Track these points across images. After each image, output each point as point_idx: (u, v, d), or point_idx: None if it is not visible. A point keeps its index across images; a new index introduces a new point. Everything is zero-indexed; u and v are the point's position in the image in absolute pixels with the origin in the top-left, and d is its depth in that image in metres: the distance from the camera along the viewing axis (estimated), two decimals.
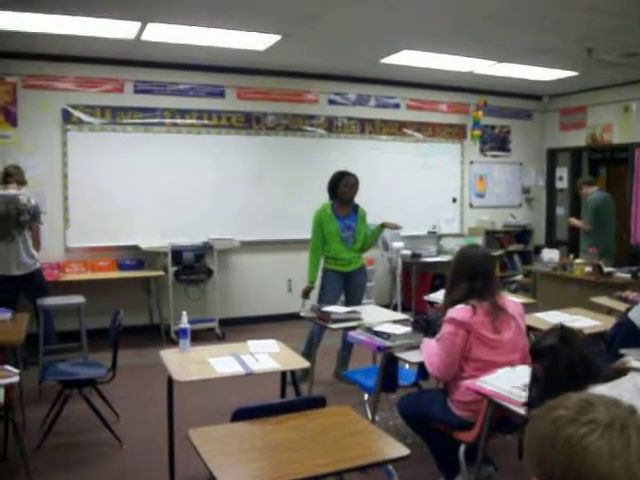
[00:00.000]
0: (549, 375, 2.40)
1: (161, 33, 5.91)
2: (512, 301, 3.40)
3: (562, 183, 9.78)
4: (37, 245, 5.85)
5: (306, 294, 5.60)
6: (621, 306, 4.65)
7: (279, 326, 6.98)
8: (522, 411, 2.60)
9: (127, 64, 7.04)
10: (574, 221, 8.00)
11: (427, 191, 8.83)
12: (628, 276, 6.10)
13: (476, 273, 3.25)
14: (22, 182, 5.85)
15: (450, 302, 3.30)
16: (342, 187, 5.51)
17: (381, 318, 4.30)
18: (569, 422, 1.04)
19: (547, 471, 1.04)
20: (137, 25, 5.62)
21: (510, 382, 2.78)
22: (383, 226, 5.69)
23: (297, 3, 5.10)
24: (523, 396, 2.65)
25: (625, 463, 0.99)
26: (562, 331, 2.48)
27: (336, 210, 5.55)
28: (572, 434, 1.02)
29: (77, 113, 6.89)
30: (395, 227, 5.97)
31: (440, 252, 8.60)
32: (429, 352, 3.31)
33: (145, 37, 6.01)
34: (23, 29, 5.66)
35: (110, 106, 7.04)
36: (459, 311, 3.13)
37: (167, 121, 7.32)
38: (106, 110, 7.02)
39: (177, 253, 6.92)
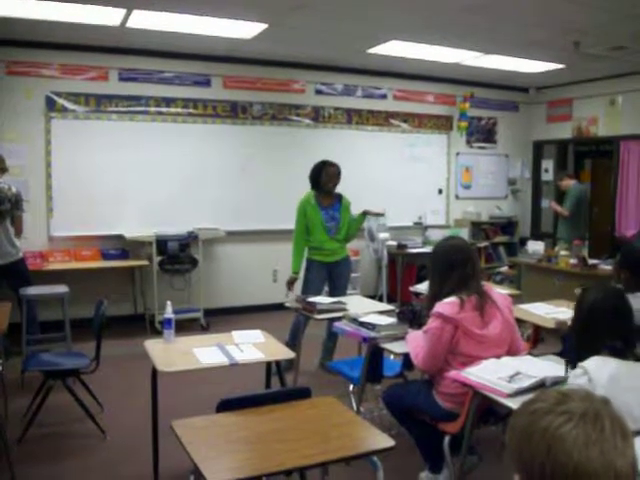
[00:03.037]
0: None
1: (147, 20, 5.83)
2: (501, 294, 3.38)
3: (548, 175, 9.81)
4: (19, 234, 5.79)
5: (290, 284, 5.60)
6: None
7: (264, 316, 6.96)
8: (507, 402, 2.61)
9: (112, 52, 6.96)
10: (555, 205, 8.33)
11: (413, 182, 8.84)
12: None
13: (453, 265, 3.23)
14: (3, 170, 5.77)
15: (434, 297, 3.29)
16: (324, 177, 5.50)
17: (366, 309, 4.30)
18: (545, 413, 1.07)
19: (527, 463, 1.07)
20: (122, 12, 5.54)
21: (495, 373, 2.79)
22: (365, 214, 5.68)
23: None
24: (508, 387, 2.66)
25: (600, 451, 1.01)
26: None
27: (319, 200, 5.53)
28: (548, 424, 1.05)
29: (61, 101, 6.81)
30: (377, 214, 5.97)
31: (426, 243, 8.60)
32: (415, 344, 3.30)
33: (130, 24, 5.94)
34: (6, 14, 5.57)
35: (95, 94, 6.96)
36: (447, 306, 3.11)
37: (152, 110, 7.26)
38: (90, 98, 6.94)
39: (162, 243, 6.87)
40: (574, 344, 2.57)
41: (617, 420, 1.06)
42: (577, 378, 2.32)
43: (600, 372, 2.28)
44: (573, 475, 1.00)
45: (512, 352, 3.21)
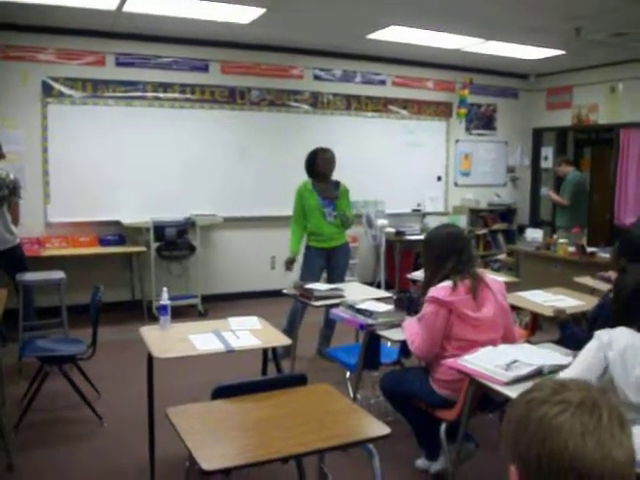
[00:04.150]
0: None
1: (143, 5, 5.77)
2: (494, 279, 3.39)
3: (547, 163, 9.77)
4: (16, 220, 5.76)
5: (288, 265, 5.58)
6: (604, 286, 4.65)
7: (261, 303, 6.95)
8: (504, 390, 2.60)
9: (109, 36, 6.89)
10: (553, 195, 8.24)
11: (412, 169, 8.80)
12: None
13: (449, 253, 3.23)
14: (1, 156, 5.73)
15: (428, 284, 3.28)
16: (320, 162, 5.49)
17: (364, 296, 4.29)
18: (541, 403, 1.06)
19: (522, 454, 1.05)
20: None
21: (492, 361, 2.78)
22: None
23: None
24: (505, 375, 2.65)
25: (597, 441, 0.99)
26: None
27: (316, 187, 5.52)
28: (545, 414, 1.03)
29: (58, 86, 6.75)
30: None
31: (424, 230, 8.55)
32: (411, 331, 3.30)
33: (127, 8, 5.87)
34: None
35: (91, 79, 6.90)
36: (440, 290, 3.12)
37: (149, 95, 7.20)
38: (87, 83, 6.89)
39: (159, 229, 6.84)
40: (611, 324, 2.56)
41: (615, 410, 1.04)
42: (600, 336, 2.38)
43: (621, 339, 2.34)
44: (569, 465, 0.98)
45: (507, 339, 3.20)
